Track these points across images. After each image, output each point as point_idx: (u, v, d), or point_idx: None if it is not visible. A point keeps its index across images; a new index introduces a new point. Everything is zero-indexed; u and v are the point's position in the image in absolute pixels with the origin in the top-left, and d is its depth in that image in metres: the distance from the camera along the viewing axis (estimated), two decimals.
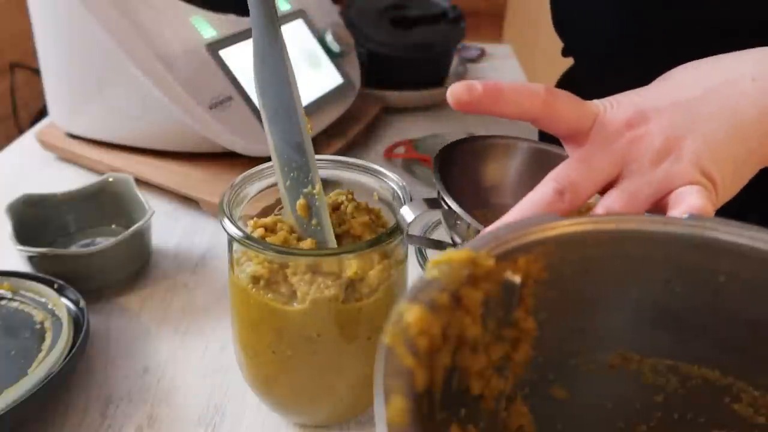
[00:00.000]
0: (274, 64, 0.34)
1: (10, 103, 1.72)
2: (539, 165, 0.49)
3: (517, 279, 0.23)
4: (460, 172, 0.48)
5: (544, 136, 0.67)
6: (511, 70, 1.04)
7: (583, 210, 0.45)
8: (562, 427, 0.27)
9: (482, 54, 1.08)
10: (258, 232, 0.34)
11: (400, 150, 0.73)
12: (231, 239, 0.33)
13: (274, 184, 0.37)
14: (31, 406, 0.36)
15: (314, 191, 0.35)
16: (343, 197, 0.38)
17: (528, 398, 0.26)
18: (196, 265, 0.54)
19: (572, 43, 0.63)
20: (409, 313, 0.18)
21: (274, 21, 0.33)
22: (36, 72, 0.74)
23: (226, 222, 0.33)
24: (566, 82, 0.70)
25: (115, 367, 0.43)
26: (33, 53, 0.65)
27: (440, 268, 0.21)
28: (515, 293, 0.23)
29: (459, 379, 0.22)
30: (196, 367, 0.43)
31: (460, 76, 0.90)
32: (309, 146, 0.34)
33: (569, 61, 0.68)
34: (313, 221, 0.35)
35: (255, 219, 0.36)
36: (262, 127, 0.35)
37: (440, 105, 0.88)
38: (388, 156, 0.72)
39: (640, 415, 0.27)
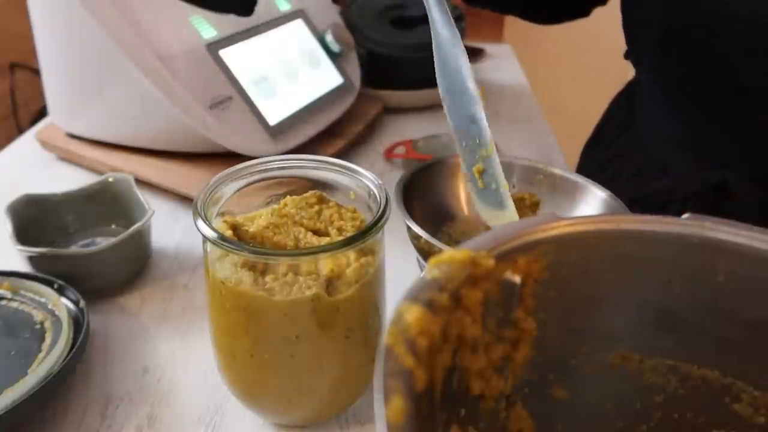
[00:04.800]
0: (453, 50, 0.40)
1: (10, 103, 1.73)
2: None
3: (517, 279, 0.23)
4: (424, 194, 0.49)
5: (582, 167, 0.66)
6: (511, 70, 1.04)
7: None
8: (562, 427, 0.27)
9: (482, 54, 1.08)
10: (228, 232, 0.34)
11: (400, 150, 0.72)
12: (205, 240, 0.33)
13: (252, 183, 0.37)
14: (31, 406, 0.36)
15: (489, 153, 0.40)
16: (314, 200, 0.37)
17: (528, 398, 0.26)
18: (196, 265, 0.54)
19: (631, 45, 0.62)
20: (409, 313, 0.18)
21: (449, 14, 0.40)
22: (36, 72, 0.74)
23: (200, 223, 0.32)
24: (626, 95, 0.68)
25: (115, 367, 0.43)
26: (33, 53, 0.65)
27: (440, 268, 0.21)
28: (515, 293, 0.23)
29: (459, 379, 0.21)
30: (196, 367, 0.43)
31: None
32: (481, 114, 0.40)
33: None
34: (493, 186, 0.40)
35: (226, 217, 0.35)
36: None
37: (440, 105, 0.87)
38: (389, 156, 0.72)
39: (640, 415, 0.27)
